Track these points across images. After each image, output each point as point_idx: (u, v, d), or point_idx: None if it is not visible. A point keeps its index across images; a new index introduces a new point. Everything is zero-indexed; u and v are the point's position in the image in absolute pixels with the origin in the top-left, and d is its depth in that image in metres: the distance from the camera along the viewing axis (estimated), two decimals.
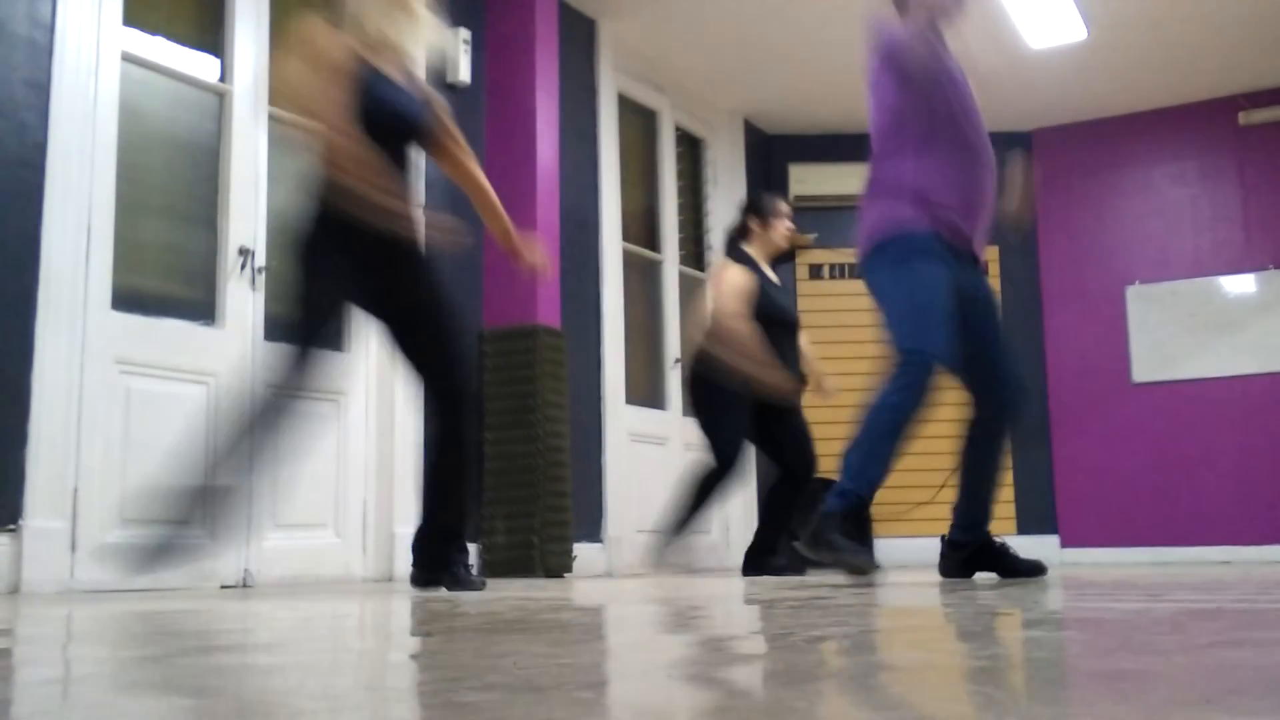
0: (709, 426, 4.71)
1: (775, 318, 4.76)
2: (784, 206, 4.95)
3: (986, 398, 3.43)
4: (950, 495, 3.55)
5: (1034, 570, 3.44)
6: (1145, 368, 6.88)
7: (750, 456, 6.65)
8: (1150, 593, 2.48)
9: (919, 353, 3.21)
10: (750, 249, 4.88)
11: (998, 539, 3.51)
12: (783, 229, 4.91)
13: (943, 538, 3.56)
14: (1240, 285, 6.74)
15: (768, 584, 3.62)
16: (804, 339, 5.06)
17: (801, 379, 4.88)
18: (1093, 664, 1.11)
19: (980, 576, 3.52)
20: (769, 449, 4.88)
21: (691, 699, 0.92)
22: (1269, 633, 1.40)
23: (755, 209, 4.93)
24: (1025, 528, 6.99)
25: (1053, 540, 6.97)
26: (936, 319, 3.24)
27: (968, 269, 3.40)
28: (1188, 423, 6.74)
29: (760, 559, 4.78)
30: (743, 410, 4.69)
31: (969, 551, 3.47)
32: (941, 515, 7.19)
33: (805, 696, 0.89)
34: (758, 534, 4.87)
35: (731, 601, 2.42)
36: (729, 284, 4.70)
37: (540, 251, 3.49)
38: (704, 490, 4.70)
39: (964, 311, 3.35)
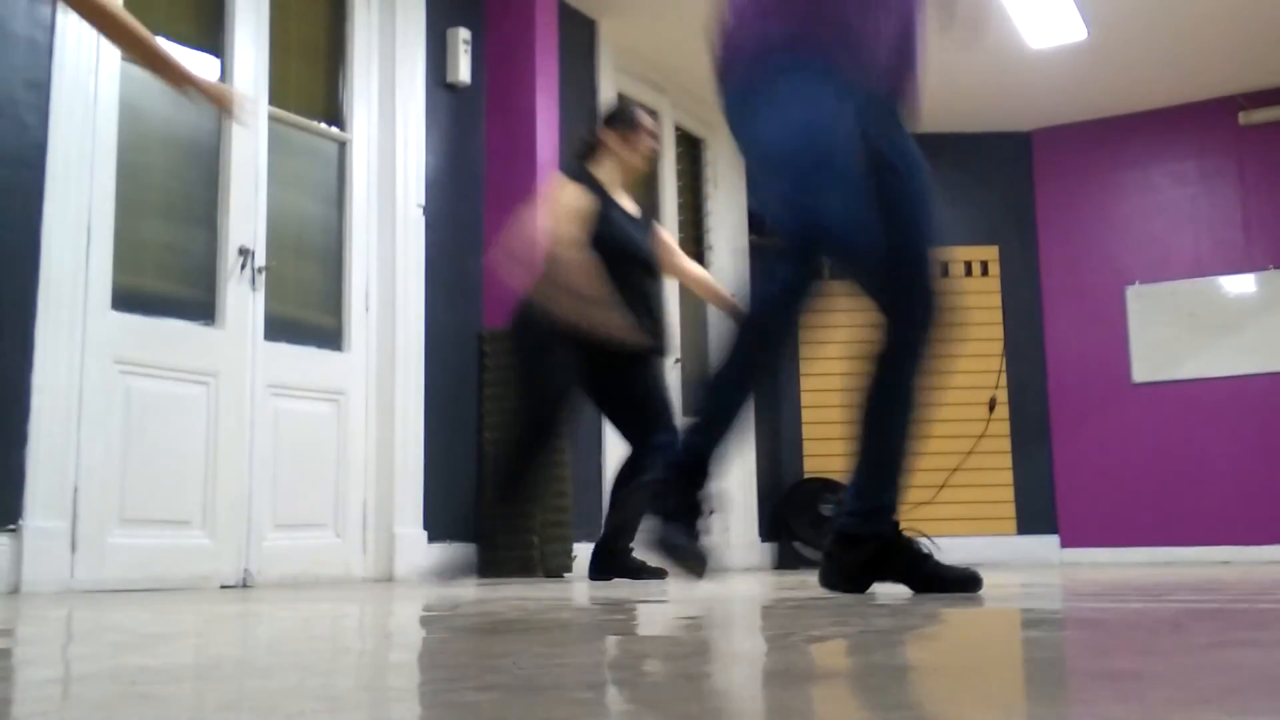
0: (524, 379, 4.01)
1: (625, 253, 3.95)
2: (649, 120, 4.16)
3: (903, 312, 2.41)
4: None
5: (966, 583, 2.41)
6: (1145, 368, 6.88)
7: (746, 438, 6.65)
8: (1150, 593, 2.48)
9: (810, 225, 2.32)
10: (599, 170, 4.09)
11: (916, 539, 2.50)
12: (646, 147, 4.11)
13: (834, 529, 2.53)
14: (1240, 285, 6.74)
15: (646, 588, 3.26)
16: (691, 267, 4.33)
17: (660, 328, 4.05)
18: (1093, 664, 1.11)
19: (885, 590, 2.56)
20: (616, 415, 4.15)
21: (691, 699, 0.92)
22: (1269, 633, 1.40)
23: (616, 119, 4.11)
24: (1025, 528, 6.99)
25: (1053, 540, 6.97)
26: (842, 179, 2.30)
27: (883, 119, 2.45)
28: (1188, 423, 6.74)
29: (610, 557, 4.13)
30: (567, 365, 3.96)
31: (870, 552, 2.44)
32: (943, 515, 7.26)
33: (805, 696, 0.89)
34: (606, 526, 4.22)
35: (730, 602, 2.42)
36: (562, 205, 3.86)
37: (225, 89, 2.85)
38: (515, 471, 4.01)
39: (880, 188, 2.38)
